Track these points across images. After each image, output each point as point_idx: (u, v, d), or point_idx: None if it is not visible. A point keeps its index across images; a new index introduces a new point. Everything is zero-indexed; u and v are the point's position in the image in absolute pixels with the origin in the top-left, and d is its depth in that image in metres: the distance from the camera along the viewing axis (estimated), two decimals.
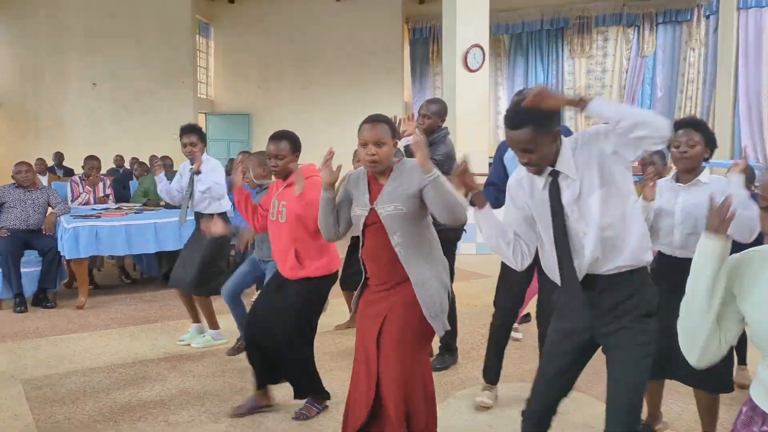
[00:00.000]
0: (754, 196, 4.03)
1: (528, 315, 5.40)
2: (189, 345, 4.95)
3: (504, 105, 14.58)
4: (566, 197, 2.22)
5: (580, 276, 2.23)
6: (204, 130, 14.86)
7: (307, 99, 15.11)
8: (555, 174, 2.22)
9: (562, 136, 2.24)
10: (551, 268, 2.32)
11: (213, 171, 4.79)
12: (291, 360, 3.50)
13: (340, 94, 14.91)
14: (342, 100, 14.83)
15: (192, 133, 4.70)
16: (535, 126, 2.14)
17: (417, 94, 15.46)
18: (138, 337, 5.19)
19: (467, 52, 9.10)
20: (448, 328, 2.78)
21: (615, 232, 2.20)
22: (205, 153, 4.79)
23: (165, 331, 5.35)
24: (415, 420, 2.69)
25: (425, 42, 15.39)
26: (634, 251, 2.22)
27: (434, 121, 4.29)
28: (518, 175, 2.39)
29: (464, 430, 3.45)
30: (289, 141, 3.50)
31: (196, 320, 5.06)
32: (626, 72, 13.69)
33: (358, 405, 2.78)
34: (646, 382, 2.25)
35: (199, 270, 4.66)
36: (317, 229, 3.07)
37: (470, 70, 9.08)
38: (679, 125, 2.96)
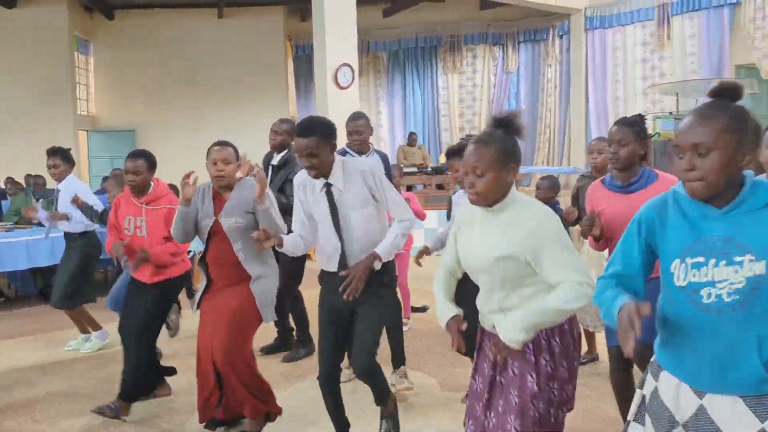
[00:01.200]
0: (555, 204, 4.80)
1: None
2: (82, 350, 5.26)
3: (385, 119, 15.38)
4: (338, 202, 2.88)
5: (347, 260, 2.89)
6: (86, 147, 14.74)
7: (193, 114, 15.23)
8: (329, 184, 2.83)
9: (337, 154, 2.90)
10: (331, 255, 2.93)
11: (70, 193, 5.02)
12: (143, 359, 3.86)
13: (226, 110, 15.15)
14: (228, 115, 15.08)
15: (56, 156, 5.01)
16: (319, 136, 2.74)
17: (302, 109, 15.96)
18: (11, 349, 5.39)
19: (337, 71, 9.70)
20: (275, 318, 3.41)
21: (370, 236, 2.90)
22: (71, 174, 5.11)
23: (38, 343, 5.58)
24: (239, 377, 3.24)
25: (308, 59, 15.90)
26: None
27: (285, 138, 4.86)
28: (300, 178, 2.99)
29: (301, 407, 3.96)
30: (145, 159, 3.94)
31: (84, 331, 5.34)
32: (494, 87, 14.80)
33: (204, 377, 3.33)
34: (382, 329, 3.09)
35: (66, 284, 4.99)
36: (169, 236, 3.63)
37: (341, 87, 9.69)
38: (450, 153, 3.68)
